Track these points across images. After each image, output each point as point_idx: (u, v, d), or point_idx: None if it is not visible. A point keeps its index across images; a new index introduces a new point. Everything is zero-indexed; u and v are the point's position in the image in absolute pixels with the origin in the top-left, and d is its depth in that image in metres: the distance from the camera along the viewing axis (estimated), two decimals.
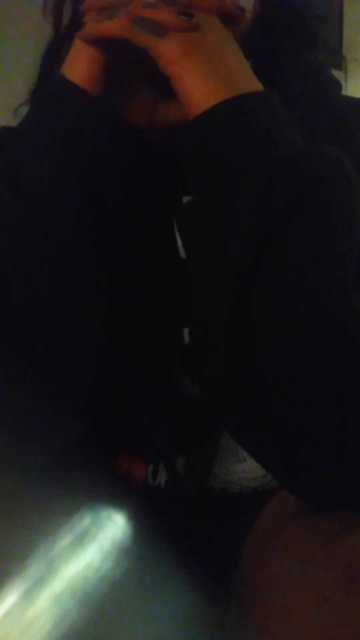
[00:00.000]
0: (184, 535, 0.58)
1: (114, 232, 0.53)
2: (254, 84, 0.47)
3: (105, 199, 0.52)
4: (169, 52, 0.45)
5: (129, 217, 0.54)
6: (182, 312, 0.58)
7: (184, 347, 0.59)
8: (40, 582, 0.41)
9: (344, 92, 0.65)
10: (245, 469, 0.62)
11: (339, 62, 0.65)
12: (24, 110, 0.60)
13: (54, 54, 0.60)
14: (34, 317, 0.50)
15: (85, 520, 0.45)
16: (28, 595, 0.40)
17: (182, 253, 0.58)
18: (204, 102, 0.45)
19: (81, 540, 0.44)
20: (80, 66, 0.51)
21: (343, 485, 0.46)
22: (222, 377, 0.47)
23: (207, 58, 0.45)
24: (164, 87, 0.48)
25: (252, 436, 0.49)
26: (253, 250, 0.43)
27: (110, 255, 0.53)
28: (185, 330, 0.59)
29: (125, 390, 0.59)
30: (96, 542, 0.45)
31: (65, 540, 0.43)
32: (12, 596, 0.40)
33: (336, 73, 0.64)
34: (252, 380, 0.45)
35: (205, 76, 0.45)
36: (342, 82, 0.64)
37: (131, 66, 0.52)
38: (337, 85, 0.64)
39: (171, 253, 0.58)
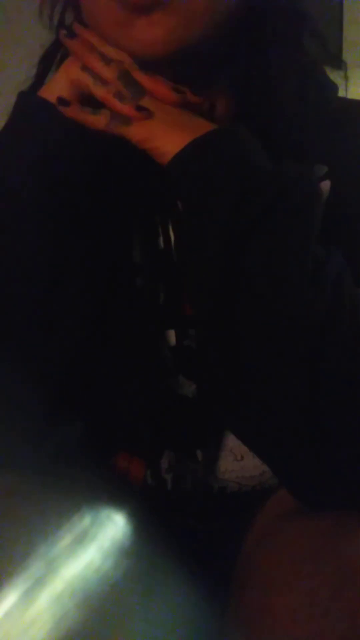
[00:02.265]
0: (184, 535, 0.59)
1: (93, 233, 0.56)
2: (216, 126, 0.53)
3: (80, 210, 0.55)
4: (137, 135, 0.53)
5: (111, 224, 0.57)
6: (168, 313, 0.59)
7: (179, 347, 0.60)
8: (40, 582, 0.41)
9: (347, 95, 0.65)
10: (243, 468, 0.62)
11: (339, 63, 0.64)
12: None
13: (53, 56, 0.63)
14: (13, 315, 0.53)
15: (85, 520, 0.45)
16: (28, 595, 0.40)
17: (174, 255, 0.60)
18: (173, 151, 0.52)
19: (81, 540, 0.44)
20: (58, 89, 0.56)
21: (335, 483, 0.47)
22: (217, 375, 0.50)
23: (170, 129, 0.53)
24: None
25: (248, 431, 0.51)
26: (227, 255, 0.48)
27: (85, 257, 0.55)
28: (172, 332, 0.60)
29: (111, 387, 0.59)
30: (96, 542, 0.45)
31: (65, 540, 0.44)
32: (12, 596, 0.40)
33: (336, 74, 0.64)
34: (244, 377, 0.48)
35: (172, 137, 0.53)
36: (342, 84, 0.64)
37: None
38: (334, 87, 0.65)
39: (160, 255, 0.59)
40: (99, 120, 0.54)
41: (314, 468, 0.47)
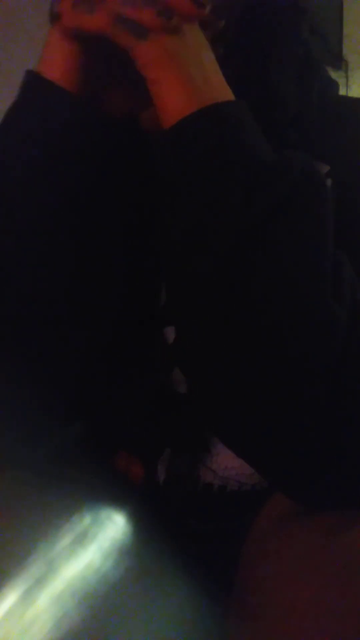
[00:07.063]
0: (184, 534, 0.59)
1: (99, 228, 0.54)
2: (226, 93, 0.48)
3: (88, 197, 0.52)
4: (147, 54, 0.45)
5: (117, 212, 0.55)
6: (165, 311, 0.59)
7: (173, 344, 0.59)
8: (40, 582, 0.41)
9: (348, 94, 0.65)
10: (243, 465, 0.62)
11: (340, 62, 0.65)
12: None
13: None
14: (22, 315, 0.52)
15: (85, 520, 0.45)
16: (28, 595, 0.40)
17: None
18: (176, 113, 0.46)
19: (81, 540, 0.44)
20: (56, 63, 0.50)
21: (332, 484, 0.46)
22: (208, 378, 0.49)
23: (184, 64, 0.46)
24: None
25: (239, 437, 0.50)
26: (230, 255, 0.44)
27: (95, 253, 0.53)
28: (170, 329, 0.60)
29: (113, 387, 0.59)
30: (96, 542, 0.45)
31: (65, 540, 0.44)
32: (12, 596, 0.40)
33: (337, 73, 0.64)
34: (237, 380, 0.47)
35: (180, 84, 0.45)
36: (344, 83, 0.64)
37: (108, 54, 0.50)
38: (334, 85, 0.64)
39: (158, 250, 0.58)
40: (97, 20, 0.44)
41: (322, 474, 0.46)
